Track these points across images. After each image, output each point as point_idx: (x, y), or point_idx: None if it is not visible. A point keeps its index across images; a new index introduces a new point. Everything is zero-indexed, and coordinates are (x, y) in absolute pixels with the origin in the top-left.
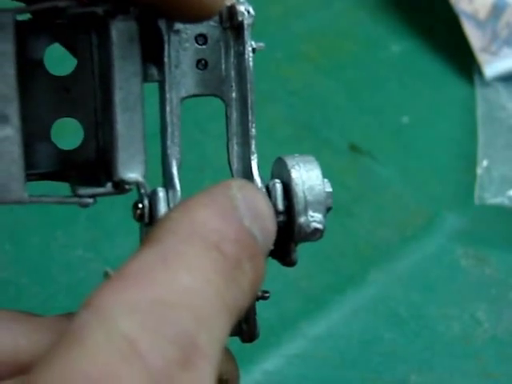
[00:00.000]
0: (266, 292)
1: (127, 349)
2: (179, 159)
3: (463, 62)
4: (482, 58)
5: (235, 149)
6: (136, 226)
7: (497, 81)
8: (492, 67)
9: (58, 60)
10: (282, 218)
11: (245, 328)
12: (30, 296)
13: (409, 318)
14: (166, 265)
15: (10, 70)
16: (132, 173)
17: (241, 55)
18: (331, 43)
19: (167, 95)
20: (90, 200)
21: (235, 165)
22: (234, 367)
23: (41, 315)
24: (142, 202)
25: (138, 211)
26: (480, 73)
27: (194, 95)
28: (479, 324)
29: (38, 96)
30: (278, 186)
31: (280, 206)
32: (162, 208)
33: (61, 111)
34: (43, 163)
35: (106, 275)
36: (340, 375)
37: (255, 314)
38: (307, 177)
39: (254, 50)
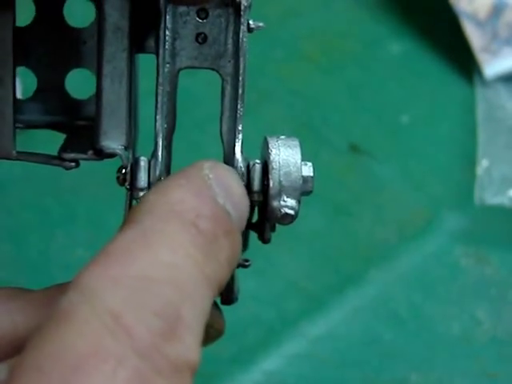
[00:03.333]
0: (247, 260)
1: (113, 323)
2: (171, 128)
3: (463, 61)
4: (481, 57)
5: (226, 122)
6: None
7: (497, 81)
8: (492, 67)
9: (78, 14)
10: (256, 197)
11: (224, 292)
12: None
13: (409, 318)
14: (146, 243)
15: (7, 34)
16: (112, 142)
17: (237, 34)
18: (331, 43)
19: (160, 68)
20: (73, 164)
21: (226, 137)
22: (218, 313)
23: (33, 290)
24: (124, 168)
25: (120, 176)
26: (480, 73)
27: (192, 67)
28: (479, 324)
29: (55, 46)
30: (257, 167)
31: (256, 186)
32: (142, 176)
33: (77, 62)
34: (54, 110)
35: None
36: (340, 375)
37: (233, 279)
38: (285, 162)
39: (251, 30)
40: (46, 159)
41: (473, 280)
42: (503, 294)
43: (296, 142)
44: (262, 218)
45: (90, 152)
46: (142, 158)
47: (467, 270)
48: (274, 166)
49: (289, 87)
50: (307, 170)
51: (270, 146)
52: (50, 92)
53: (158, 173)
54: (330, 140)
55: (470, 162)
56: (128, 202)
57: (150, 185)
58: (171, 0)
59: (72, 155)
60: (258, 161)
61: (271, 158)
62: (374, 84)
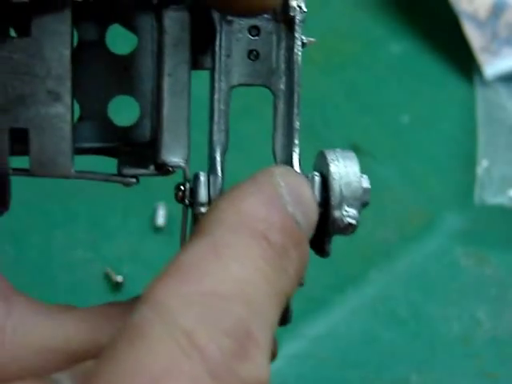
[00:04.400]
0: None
1: (186, 343)
2: (225, 145)
3: (463, 62)
4: (482, 57)
5: (280, 139)
6: (135, 226)
7: (497, 81)
8: (492, 67)
9: (121, 39)
10: (318, 209)
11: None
12: (29, 296)
13: (409, 318)
14: (216, 256)
15: (65, 51)
16: (174, 156)
17: (291, 49)
18: (331, 43)
19: (216, 84)
20: (133, 180)
21: (279, 154)
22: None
23: (79, 307)
24: (183, 185)
25: (180, 193)
26: (480, 73)
27: (245, 84)
28: (479, 324)
29: (98, 73)
30: (317, 179)
31: (317, 198)
32: (203, 192)
33: (119, 89)
34: (98, 138)
35: None
36: (340, 375)
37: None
38: (345, 172)
39: (304, 45)
40: (106, 177)
41: (473, 280)
42: (503, 294)
43: (353, 154)
44: (322, 231)
45: (152, 167)
46: (201, 172)
47: (467, 270)
48: (335, 177)
49: None
50: (365, 182)
51: (328, 157)
52: (94, 119)
53: (218, 187)
54: (330, 140)
55: (470, 162)
56: (185, 218)
57: (210, 200)
58: (222, 10)
59: (133, 171)
60: (316, 173)
61: (331, 169)
62: (374, 84)
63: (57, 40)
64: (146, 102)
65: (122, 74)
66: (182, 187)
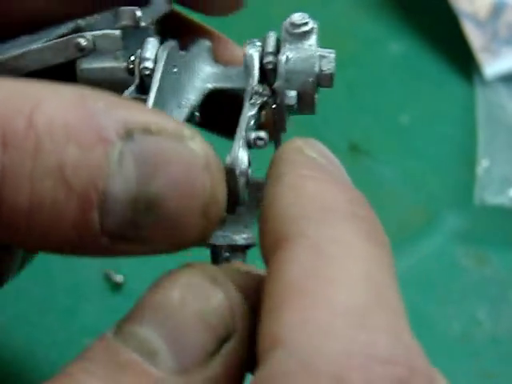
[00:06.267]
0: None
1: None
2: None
3: (463, 61)
4: (482, 57)
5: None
6: None
7: (497, 81)
8: (492, 67)
9: None
10: (271, 58)
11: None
12: (29, 296)
13: (409, 318)
14: (325, 259)
15: None
16: None
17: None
18: (331, 43)
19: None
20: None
21: None
22: None
23: None
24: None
25: (130, 65)
26: (480, 73)
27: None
28: (479, 324)
29: None
30: (272, 34)
31: (271, 47)
32: (150, 48)
33: None
34: None
35: None
36: None
37: None
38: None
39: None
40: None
41: (473, 280)
42: (503, 294)
43: None
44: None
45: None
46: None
47: (467, 269)
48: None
49: None
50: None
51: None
52: None
53: (167, 51)
54: (330, 140)
55: (470, 162)
56: (138, 80)
57: (156, 58)
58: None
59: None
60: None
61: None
62: (373, 84)
63: None
64: None
65: None
66: (132, 57)
